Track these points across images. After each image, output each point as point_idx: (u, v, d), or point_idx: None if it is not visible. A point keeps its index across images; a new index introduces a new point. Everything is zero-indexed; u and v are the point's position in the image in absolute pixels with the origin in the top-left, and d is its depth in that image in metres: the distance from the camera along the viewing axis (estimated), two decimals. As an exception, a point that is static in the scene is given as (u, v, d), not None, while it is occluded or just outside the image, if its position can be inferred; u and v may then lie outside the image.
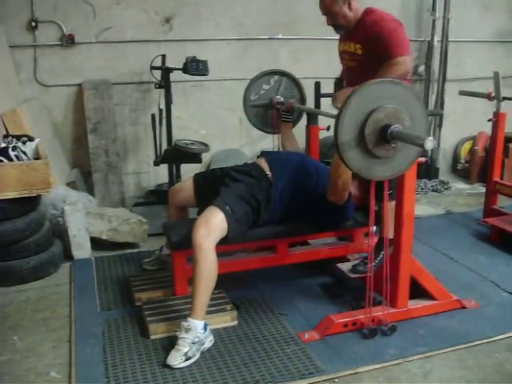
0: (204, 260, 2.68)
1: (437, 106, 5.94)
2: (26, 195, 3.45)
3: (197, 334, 2.64)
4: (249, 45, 5.35)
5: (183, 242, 2.94)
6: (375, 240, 3.24)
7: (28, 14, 4.69)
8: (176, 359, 2.58)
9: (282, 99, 3.89)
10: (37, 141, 3.78)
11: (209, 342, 2.74)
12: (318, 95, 4.15)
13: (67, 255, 3.87)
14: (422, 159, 2.74)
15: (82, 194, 4.43)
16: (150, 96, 5.13)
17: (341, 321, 2.87)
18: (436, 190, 5.71)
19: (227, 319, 2.97)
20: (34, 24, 4.69)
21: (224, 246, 2.89)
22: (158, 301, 3.08)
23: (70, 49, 4.87)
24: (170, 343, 2.71)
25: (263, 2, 5.33)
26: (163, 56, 4.61)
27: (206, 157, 5.03)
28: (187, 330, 2.63)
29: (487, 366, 2.63)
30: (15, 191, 3.40)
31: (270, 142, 4.12)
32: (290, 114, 3.79)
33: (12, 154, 3.49)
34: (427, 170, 5.96)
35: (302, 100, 4.00)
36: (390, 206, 2.92)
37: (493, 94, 4.29)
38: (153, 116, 4.55)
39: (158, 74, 4.63)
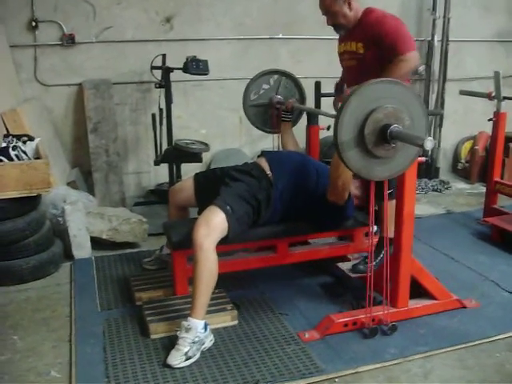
0: (204, 260, 2.68)
1: (437, 105, 5.94)
2: (26, 195, 3.45)
3: (197, 333, 2.63)
4: (249, 44, 5.35)
5: (183, 242, 2.94)
6: (376, 239, 3.24)
7: (28, 13, 4.69)
8: (176, 359, 2.58)
9: (281, 99, 3.89)
10: (37, 140, 3.78)
11: (209, 341, 2.74)
12: (319, 95, 4.16)
13: (67, 255, 3.87)
14: (423, 159, 2.74)
15: (83, 193, 4.43)
16: (150, 96, 5.13)
17: (341, 320, 2.87)
18: (436, 190, 5.71)
19: (227, 319, 2.97)
20: (34, 24, 4.69)
21: (224, 246, 2.89)
22: (158, 300, 3.08)
23: (71, 48, 4.88)
24: (171, 343, 2.71)
25: (264, 1, 5.33)
26: (163, 56, 4.61)
27: (206, 156, 5.03)
28: (187, 330, 2.63)
29: (488, 365, 2.63)
30: (15, 191, 3.40)
31: (270, 142, 4.12)
32: (289, 113, 3.79)
33: (12, 153, 3.48)
34: (427, 170, 5.96)
35: (302, 99, 4.00)
36: (390, 205, 2.93)
37: (493, 94, 4.29)
38: (153, 116, 4.55)
39: (158, 73, 4.63)
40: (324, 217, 3.16)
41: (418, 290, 3.04)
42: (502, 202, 4.66)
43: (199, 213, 3.04)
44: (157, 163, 4.56)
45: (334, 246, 3.44)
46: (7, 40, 4.58)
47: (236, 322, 2.98)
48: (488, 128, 4.73)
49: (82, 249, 3.88)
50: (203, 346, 2.69)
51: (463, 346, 2.78)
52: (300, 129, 3.99)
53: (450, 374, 2.57)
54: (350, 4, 3.29)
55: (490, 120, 4.44)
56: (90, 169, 4.89)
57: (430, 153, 5.86)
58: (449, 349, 2.75)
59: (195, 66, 4.46)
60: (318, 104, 4.18)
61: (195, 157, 4.39)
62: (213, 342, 2.77)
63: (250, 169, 3.20)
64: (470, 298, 3.21)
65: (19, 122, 4.08)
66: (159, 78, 4.59)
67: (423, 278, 3.04)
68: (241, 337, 2.85)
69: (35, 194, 3.51)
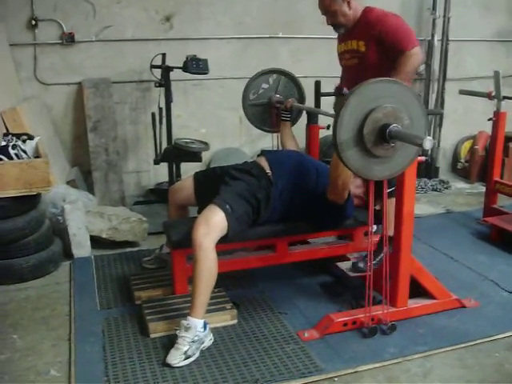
0: (204, 259, 2.68)
1: (437, 105, 5.94)
2: (26, 194, 3.45)
3: (196, 332, 2.64)
4: (249, 43, 5.35)
5: (183, 241, 2.94)
6: (376, 238, 3.24)
7: (28, 12, 4.69)
8: (176, 358, 2.58)
9: (281, 98, 3.89)
10: (37, 139, 3.78)
11: (208, 340, 2.74)
12: (319, 94, 4.15)
13: (67, 254, 3.87)
14: (422, 158, 2.74)
15: (82, 192, 4.43)
16: (150, 95, 5.13)
17: (340, 320, 2.87)
18: (436, 189, 5.71)
19: (227, 318, 2.97)
20: (34, 22, 4.69)
21: (224, 245, 2.89)
22: (157, 299, 3.08)
23: (70, 47, 4.87)
24: (170, 342, 2.71)
25: (263, 0, 5.33)
26: (163, 55, 4.60)
27: (206, 156, 5.02)
28: (187, 329, 2.63)
29: (487, 365, 2.63)
30: (15, 190, 3.40)
31: (269, 141, 4.11)
32: (289, 112, 3.79)
33: (12, 152, 3.48)
34: (427, 169, 5.96)
35: (301, 99, 4.00)
36: (391, 203, 2.94)
37: (493, 94, 4.29)
38: (153, 115, 4.55)
39: (158, 72, 4.63)
40: (324, 216, 3.15)
41: (417, 290, 3.04)
42: (502, 201, 4.66)
43: (199, 212, 3.04)
44: (156, 162, 4.56)
45: (334, 245, 3.44)
46: (7, 38, 4.58)
47: (235, 321, 2.98)
48: (488, 128, 4.74)
49: (81, 248, 3.88)
50: (203, 345, 2.69)
51: (463, 345, 2.78)
52: (300, 128, 3.99)
53: (449, 373, 2.57)
54: (349, 3, 3.31)
55: (489, 120, 4.44)
56: (90, 168, 4.89)
57: (429, 152, 5.87)
58: (448, 348, 2.75)
59: (195, 65, 4.46)
60: (317, 103, 4.17)
61: (195, 156, 4.39)
62: (212, 341, 2.77)
63: (250, 168, 3.20)
64: (470, 298, 3.21)
65: (19, 120, 4.08)
66: (159, 77, 4.59)
67: (423, 277, 3.04)
68: (240, 336, 2.85)
69: (35, 193, 3.51)
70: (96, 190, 4.85)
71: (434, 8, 5.74)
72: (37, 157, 3.61)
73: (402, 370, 2.59)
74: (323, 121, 3.77)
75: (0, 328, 2.97)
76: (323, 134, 4.01)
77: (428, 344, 2.78)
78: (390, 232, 2.94)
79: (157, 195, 5.10)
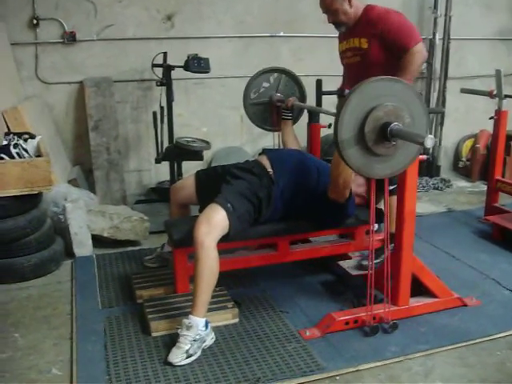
0: (205, 257, 2.68)
1: (438, 103, 5.94)
2: (27, 193, 3.45)
3: (198, 331, 2.64)
4: (250, 42, 5.35)
5: (185, 240, 2.94)
6: (378, 237, 3.23)
7: (29, 11, 4.69)
8: (177, 356, 2.58)
9: (282, 97, 3.88)
10: (38, 138, 3.78)
11: (210, 339, 2.74)
12: (320, 93, 4.15)
13: (68, 253, 3.87)
14: (424, 157, 2.74)
15: (84, 191, 4.43)
16: (151, 94, 5.13)
17: (342, 318, 2.87)
18: (437, 188, 5.71)
19: (228, 317, 2.97)
20: (35, 21, 4.69)
21: (225, 244, 2.89)
22: (159, 298, 3.09)
23: (72, 46, 4.88)
24: (172, 341, 2.71)
25: (265, -1, 5.34)
26: (165, 54, 4.61)
27: (207, 154, 5.03)
28: (188, 328, 2.63)
29: (488, 364, 2.63)
30: (17, 189, 3.40)
31: (271, 140, 4.11)
32: (290, 111, 3.79)
33: (13, 151, 3.48)
34: (429, 168, 5.96)
35: (302, 97, 3.99)
36: (394, 201, 2.94)
37: (495, 92, 4.29)
38: (154, 114, 4.55)
39: (159, 71, 4.62)
40: (325, 215, 3.15)
41: (419, 288, 3.04)
42: (503, 200, 4.65)
43: (200, 211, 3.04)
44: (158, 161, 4.57)
45: (335, 244, 3.44)
46: (8, 38, 4.58)
47: (237, 320, 2.98)
48: (489, 126, 4.73)
49: (83, 247, 3.89)
50: (204, 344, 2.69)
51: (464, 344, 2.78)
52: (301, 127, 3.98)
53: (450, 372, 2.57)
54: (350, 1, 3.31)
55: (491, 118, 4.44)
56: (91, 167, 4.89)
57: (431, 151, 5.86)
58: (450, 347, 2.75)
59: (196, 64, 4.47)
60: (319, 102, 4.17)
61: (196, 155, 4.39)
62: (214, 339, 2.77)
63: (251, 167, 3.20)
64: (471, 297, 3.21)
65: (20, 119, 4.08)
66: (160, 76, 4.59)
67: (424, 276, 3.03)
68: (242, 335, 2.86)
69: (36, 192, 3.51)
70: (97, 189, 4.85)
71: (435, 7, 5.73)
72: (38, 156, 3.61)
73: (404, 369, 2.59)
74: (324, 119, 3.76)
75: (2, 327, 2.98)
76: (324, 132, 4.00)
77: (429, 343, 2.78)
78: (392, 229, 2.95)
79: (158, 194, 5.10)
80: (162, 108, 4.59)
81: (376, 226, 3.23)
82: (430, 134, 5.52)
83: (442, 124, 5.99)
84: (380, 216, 2.98)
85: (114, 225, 4.03)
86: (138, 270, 3.65)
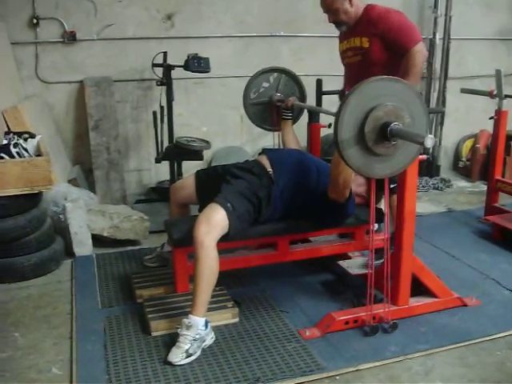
0: (205, 257, 2.68)
1: (438, 103, 5.93)
2: (27, 192, 3.45)
3: (198, 330, 2.64)
4: (250, 42, 5.35)
5: (184, 239, 2.94)
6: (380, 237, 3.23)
7: (29, 10, 4.69)
8: (177, 356, 2.58)
9: (281, 97, 3.88)
10: (38, 138, 3.78)
11: (210, 338, 2.74)
12: (320, 92, 4.15)
13: (68, 252, 3.87)
14: (424, 157, 2.74)
15: (84, 191, 4.43)
16: (151, 93, 5.13)
17: (342, 318, 2.87)
18: (437, 188, 5.70)
19: (228, 316, 2.97)
20: (35, 21, 4.69)
21: (225, 243, 2.89)
22: (159, 298, 3.09)
23: (72, 46, 4.88)
24: (171, 340, 2.71)
25: (265, -1, 5.34)
26: (165, 53, 4.61)
27: (207, 154, 5.03)
28: (188, 327, 2.63)
29: (488, 364, 2.63)
30: (17, 188, 3.40)
31: (271, 140, 4.11)
32: (290, 111, 3.79)
33: (13, 150, 3.48)
34: (428, 168, 5.95)
35: (302, 97, 3.99)
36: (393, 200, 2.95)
37: (495, 92, 4.29)
38: (154, 113, 4.55)
39: (159, 71, 4.62)
40: (325, 214, 3.15)
41: (418, 288, 3.04)
42: (503, 200, 4.65)
43: (200, 210, 3.04)
44: (158, 161, 4.56)
45: (335, 243, 3.44)
46: (8, 37, 4.58)
47: (237, 320, 2.98)
48: (489, 126, 4.73)
49: (82, 246, 3.89)
50: (204, 344, 2.69)
51: (464, 344, 2.78)
52: (301, 126, 3.98)
53: (450, 372, 2.57)
54: (350, 1, 3.32)
55: (491, 118, 4.44)
56: (91, 166, 4.89)
57: (431, 151, 5.86)
58: (450, 347, 2.75)
59: (196, 64, 4.47)
60: (319, 102, 4.17)
61: (196, 154, 4.39)
62: (214, 339, 2.77)
63: (251, 166, 3.20)
64: (471, 296, 3.21)
65: (20, 119, 4.08)
66: (160, 76, 4.59)
67: (424, 276, 3.03)
68: (241, 334, 2.86)
69: (36, 192, 3.51)
70: (97, 189, 4.85)
71: (435, 6, 5.73)
72: (38, 155, 3.61)
73: (404, 369, 2.59)
74: (324, 119, 3.76)
75: (2, 326, 2.98)
76: (324, 132, 4.00)
77: (429, 342, 2.78)
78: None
79: (158, 194, 5.11)
80: (162, 108, 4.59)
81: (376, 225, 3.23)
82: (430, 133, 5.53)
83: (442, 124, 5.99)
84: (380, 216, 2.98)
85: (114, 224, 4.03)
86: (138, 270, 3.65)
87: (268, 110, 3.94)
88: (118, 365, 2.59)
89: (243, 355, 2.66)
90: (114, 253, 3.98)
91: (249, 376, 2.50)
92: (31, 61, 4.81)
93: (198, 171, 3.45)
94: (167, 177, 4.76)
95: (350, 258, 3.51)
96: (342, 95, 3.62)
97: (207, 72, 4.56)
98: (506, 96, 4.26)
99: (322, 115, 3.80)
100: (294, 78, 3.97)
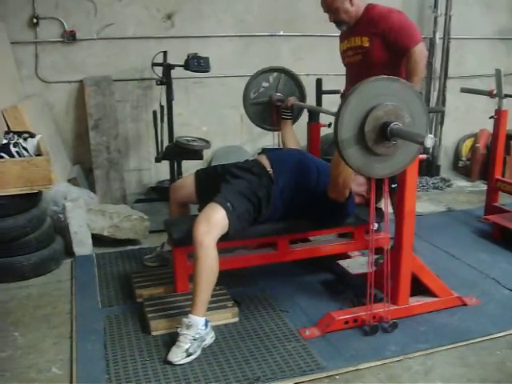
0: (205, 257, 2.68)
1: (438, 103, 5.94)
2: (27, 192, 3.45)
3: (198, 330, 2.64)
4: (250, 42, 5.35)
5: (184, 239, 2.94)
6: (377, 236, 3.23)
7: (29, 10, 4.69)
8: (177, 355, 2.59)
9: (281, 96, 3.87)
10: (38, 137, 3.78)
11: (210, 338, 2.74)
12: (320, 92, 4.15)
13: (68, 252, 3.87)
14: (423, 156, 2.74)
15: (84, 190, 4.43)
16: (151, 93, 5.13)
17: (342, 318, 2.87)
18: (437, 188, 5.71)
19: (228, 316, 2.97)
20: (35, 20, 4.69)
21: (225, 243, 2.89)
22: (159, 297, 3.09)
23: (72, 45, 4.87)
24: (171, 340, 2.71)
25: (264, -2, 5.33)
26: (165, 53, 4.61)
27: (207, 153, 5.03)
28: (188, 327, 2.63)
29: (488, 363, 2.63)
30: (16, 187, 3.40)
31: (270, 139, 4.11)
32: (289, 111, 3.78)
33: (13, 150, 3.48)
34: (428, 168, 5.95)
35: (302, 97, 3.98)
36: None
37: (494, 92, 4.29)
38: (154, 113, 4.55)
39: (159, 70, 4.63)
40: (325, 214, 3.15)
41: (418, 288, 3.04)
42: (503, 199, 4.65)
43: (200, 210, 3.04)
44: (158, 160, 4.56)
45: (335, 243, 3.44)
46: (8, 37, 4.58)
47: (237, 319, 2.98)
48: (489, 126, 4.73)
49: (82, 246, 3.89)
50: (204, 343, 2.69)
51: (464, 343, 2.78)
52: (301, 126, 3.98)
53: (450, 371, 2.57)
54: (351, 0, 3.31)
55: (491, 118, 4.44)
56: (91, 166, 4.89)
57: (430, 150, 5.86)
58: (449, 346, 2.75)
59: (196, 63, 4.47)
60: (319, 101, 4.17)
61: (196, 154, 4.39)
62: (213, 338, 2.77)
63: (251, 166, 3.20)
64: (471, 296, 3.21)
65: (20, 118, 4.08)
66: (160, 75, 4.59)
67: (424, 275, 3.03)
68: (241, 334, 2.86)
69: (36, 191, 3.51)
70: (97, 188, 4.85)
71: (435, 6, 5.73)
72: (38, 155, 3.61)
73: (403, 368, 2.59)
74: (324, 119, 3.76)
75: (1, 326, 2.98)
76: (324, 132, 4.00)
77: (429, 342, 2.78)
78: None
79: (158, 193, 5.11)
80: (161, 107, 4.58)
81: (376, 225, 3.23)
82: (430, 133, 5.53)
83: (441, 123, 5.99)
84: (380, 215, 2.98)
85: (114, 224, 4.03)
86: (138, 269, 3.65)
87: (268, 110, 3.93)
88: (117, 364, 2.59)
89: (243, 354, 2.66)
90: (114, 252, 3.98)
91: (249, 375, 2.50)
92: (31, 60, 4.80)
93: (197, 171, 3.45)
94: (167, 176, 4.76)
95: (349, 257, 3.50)
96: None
97: (207, 71, 4.56)
98: (506, 95, 4.26)
99: (321, 114, 3.80)
100: (293, 78, 3.97)
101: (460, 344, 2.77)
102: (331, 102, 3.87)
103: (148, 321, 2.87)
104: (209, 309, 2.78)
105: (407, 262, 2.90)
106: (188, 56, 4.47)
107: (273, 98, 3.89)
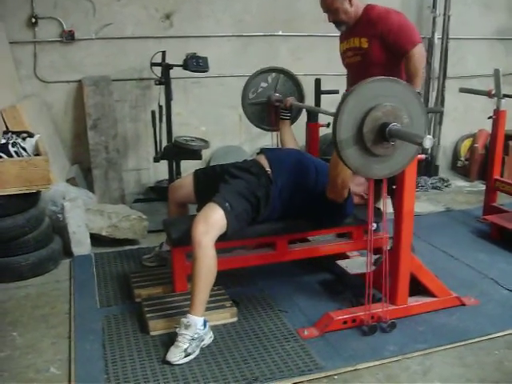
0: (203, 257, 2.68)
1: (437, 103, 5.94)
2: (25, 191, 3.45)
3: (196, 330, 2.64)
4: (249, 41, 5.35)
5: (183, 239, 2.94)
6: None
7: (28, 10, 4.68)
8: (175, 355, 2.58)
9: (280, 97, 3.87)
10: (37, 137, 3.78)
11: (208, 338, 2.74)
12: (319, 92, 4.15)
13: (67, 251, 3.87)
14: (422, 156, 2.74)
15: (82, 190, 4.43)
16: (150, 92, 5.13)
17: (340, 318, 2.87)
18: (436, 188, 5.71)
19: (227, 316, 2.97)
20: (33, 20, 4.68)
21: (223, 243, 2.89)
22: (157, 297, 3.09)
23: (70, 45, 4.87)
24: (170, 339, 2.71)
25: (263, -2, 5.33)
26: (163, 52, 4.60)
27: (205, 153, 5.02)
28: (187, 327, 2.63)
29: (487, 363, 2.63)
30: (15, 187, 3.40)
31: (269, 139, 4.11)
32: (288, 111, 3.78)
33: (12, 150, 3.48)
34: (427, 168, 5.95)
35: (301, 97, 3.98)
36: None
37: (493, 92, 4.30)
38: (153, 112, 4.54)
39: (158, 70, 4.62)
40: (323, 214, 3.15)
41: (417, 288, 3.04)
42: (502, 199, 4.66)
43: (198, 209, 3.04)
44: (156, 160, 4.56)
45: (334, 243, 3.44)
46: (7, 36, 4.57)
47: (235, 319, 2.98)
48: (488, 126, 4.74)
49: (81, 245, 3.88)
50: (202, 343, 2.69)
51: (462, 343, 2.78)
52: (300, 126, 3.98)
53: (449, 371, 2.57)
54: (350, 0, 3.32)
55: (489, 118, 4.44)
56: (90, 165, 4.89)
57: (429, 150, 5.86)
58: (448, 346, 2.75)
59: (195, 63, 4.46)
60: (317, 101, 4.16)
61: (195, 154, 4.39)
62: (212, 338, 2.77)
63: (250, 166, 3.20)
64: (469, 296, 3.21)
65: (19, 118, 4.08)
66: (159, 75, 4.59)
67: (422, 275, 3.04)
68: (240, 334, 2.86)
69: (35, 191, 3.51)
70: (96, 188, 4.85)
71: (434, 6, 5.73)
72: (37, 155, 3.61)
73: (402, 368, 2.59)
74: (323, 119, 3.76)
75: (0, 326, 2.97)
76: (323, 132, 4.00)
77: (428, 342, 2.78)
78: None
79: (157, 193, 5.10)
80: (160, 107, 4.58)
81: (375, 225, 3.22)
82: (429, 133, 5.53)
83: (440, 123, 5.99)
84: (379, 215, 2.98)
85: (113, 224, 4.03)
86: (137, 269, 3.65)
87: (266, 110, 3.93)
88: (116, 364, 2.59)
89: (241, 354, 2.66)
90: (113, 252, 3.97)
91: (247, 375, 2.50)
92: (30, 60, 4.80)
93: (196, 171, 3.45)
94: (166, 176, 4.76)
95: (348, 257, 3.51)
96: None
97: (206, 71, 4.56)
98: (505, 95, 4.26)
99: (320, 114, 3.80)
100: (292, 78, 3.96)
101: (458, 344, 2.77)
102: (330, 102, 3.87)
103: (146, 321, 2.87)
104: (207, 309, 2.78)
105: (406, 262, 2.91)
106: (187, 56, 4.47)
107: (271, 98, 3.89)
